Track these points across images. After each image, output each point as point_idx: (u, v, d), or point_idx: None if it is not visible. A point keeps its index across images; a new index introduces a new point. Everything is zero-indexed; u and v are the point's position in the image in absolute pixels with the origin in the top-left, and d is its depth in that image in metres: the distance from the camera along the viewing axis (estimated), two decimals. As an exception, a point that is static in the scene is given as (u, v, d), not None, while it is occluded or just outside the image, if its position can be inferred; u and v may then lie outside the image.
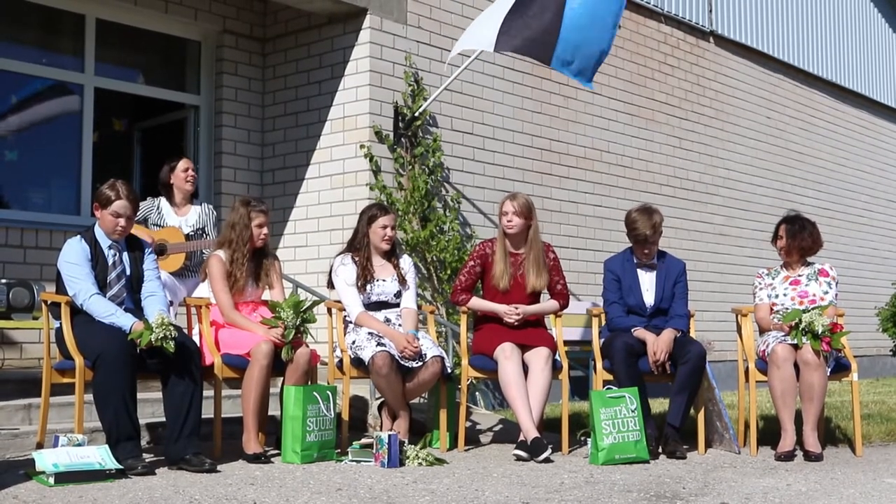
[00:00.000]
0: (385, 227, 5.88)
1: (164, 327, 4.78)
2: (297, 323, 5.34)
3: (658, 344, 5.67)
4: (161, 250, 6.22)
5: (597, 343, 5.97)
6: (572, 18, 6.89)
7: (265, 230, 5.66)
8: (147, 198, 6.54)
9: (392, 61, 8.23)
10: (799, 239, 5.97)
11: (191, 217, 6.49)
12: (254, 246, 5.63)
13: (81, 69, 8.01)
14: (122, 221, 5.04)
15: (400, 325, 5.83)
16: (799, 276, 5.99)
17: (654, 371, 5.69)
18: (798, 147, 12.90)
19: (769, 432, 6.10)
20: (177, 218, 6.48)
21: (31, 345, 7.17)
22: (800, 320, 5.55)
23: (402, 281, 5.93)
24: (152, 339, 4.76)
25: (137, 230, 5.96)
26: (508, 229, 5.91)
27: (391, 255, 5.97)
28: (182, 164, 6.52)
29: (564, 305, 6.10)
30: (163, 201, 6.52)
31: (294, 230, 8.45)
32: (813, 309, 5.62)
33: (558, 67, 7.04)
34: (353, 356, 5.67)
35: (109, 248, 5.08)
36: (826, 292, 5.89)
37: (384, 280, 5.89)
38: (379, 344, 5.56)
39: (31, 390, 5.74)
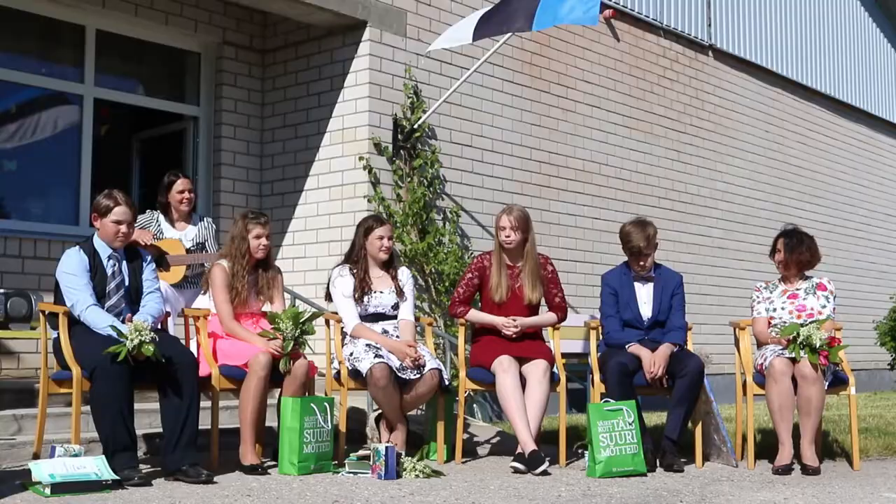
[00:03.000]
0: (382, 237, 5.88)
1: (137, 333, 4.71)
2: (296, 335, 5.34)
3: (654, 359, 5.66)
4: (161, 263, 6.19)
5: (594, 356, 5.97)
6: None
7: (264, 241, 5.64)
8: (146, 210, 6.50)
9: (391, 73, 8.24)
10: (797, 253, 5.97)
11: (189, 233, 6.45)
12: (253, 258, 5.63)
13: (81, 80, 8.02)
14: (123, 228, 5.05)
15: (397, 336, 5.83)
16: (797, 289, 5.99)
17: (650, 384, 5.68)
18: (796, 161, 12.92)
19: (767, 446, 6.10)
20: (176, 233, 6.44)
21: (29, 355, 7.16)
22: (798, 334, 5.55)
23: (399, 293, 5.93)
24: (129, 349, 4.69)
25: (140, 234, 5.94)
26: (507, 244, 5.90)
27: (389, 267, 5.97)
28: (178, 185, 6.40)
29: (562, 318, 6.09)
30: (161, 217, 6.47)
31: (293, 242, 8.46)
32: (811, 323, 5.63)
33: (546, 26, 7.16)
34: (350, 368, 5.66)
35: (109, 258, 5.08)
36: (824, 306, 5.89)
37: (382, 292, 5.88)
38: (377, 356, 5.55)
39: (28, 400, 5.74)
